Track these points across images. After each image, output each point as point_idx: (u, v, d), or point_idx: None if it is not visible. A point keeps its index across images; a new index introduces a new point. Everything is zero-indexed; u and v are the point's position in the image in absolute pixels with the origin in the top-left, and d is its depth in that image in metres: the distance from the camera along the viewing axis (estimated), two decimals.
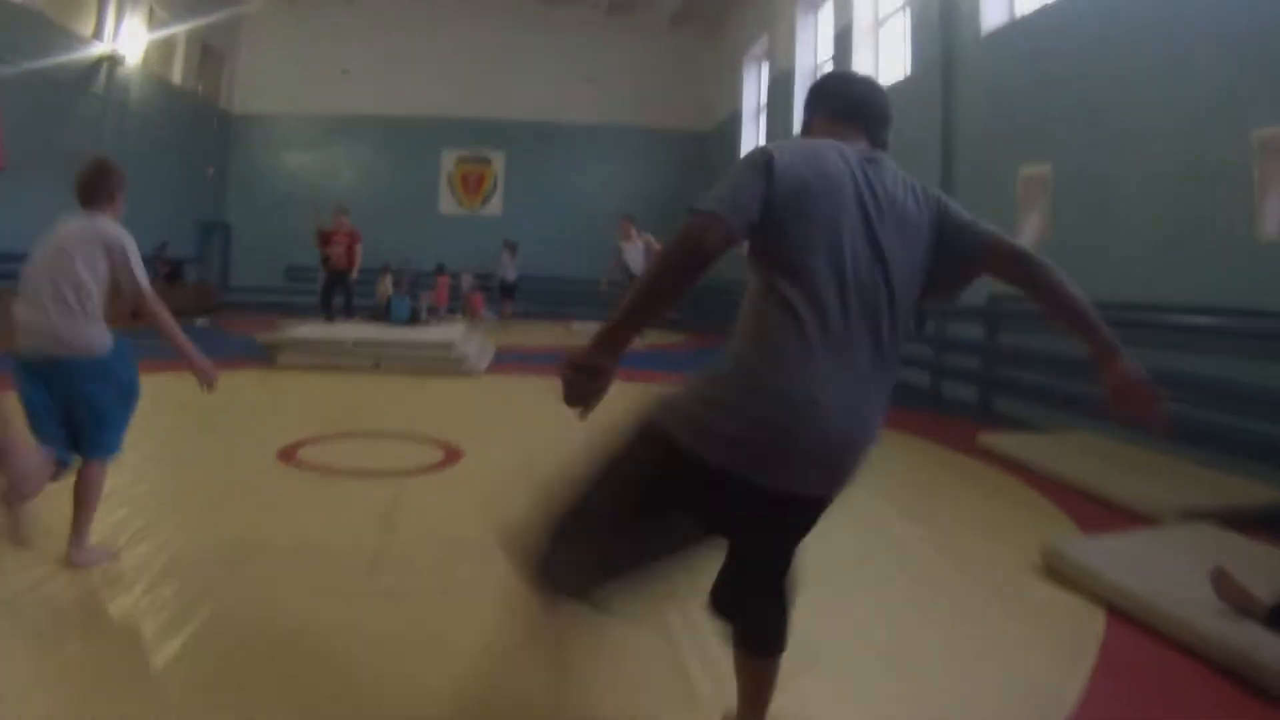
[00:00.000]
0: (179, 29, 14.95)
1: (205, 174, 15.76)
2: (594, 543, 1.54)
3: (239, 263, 17.51)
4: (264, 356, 7.66)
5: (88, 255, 2.77)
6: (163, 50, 14.75)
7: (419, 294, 13.92)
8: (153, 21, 13.98)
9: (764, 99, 14.71)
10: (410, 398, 6.28)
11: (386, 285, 13.39)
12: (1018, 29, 7.22)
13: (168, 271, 13.63)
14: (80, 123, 12.30)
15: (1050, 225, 6.57)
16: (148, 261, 12.22)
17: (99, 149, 12.60)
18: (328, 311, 11.11)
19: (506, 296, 16.10)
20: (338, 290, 11.43)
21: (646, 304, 1.40)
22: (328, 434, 4.74)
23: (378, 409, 5.75)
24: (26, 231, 11.33)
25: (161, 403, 5.06)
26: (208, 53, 16.45)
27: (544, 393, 6.64)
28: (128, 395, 2.89)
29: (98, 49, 12.59)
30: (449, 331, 8.24)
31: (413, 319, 12.90)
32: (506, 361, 8.49)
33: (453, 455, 4.40)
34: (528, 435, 4.63)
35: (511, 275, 16.23)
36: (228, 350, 8.27)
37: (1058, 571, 3.06)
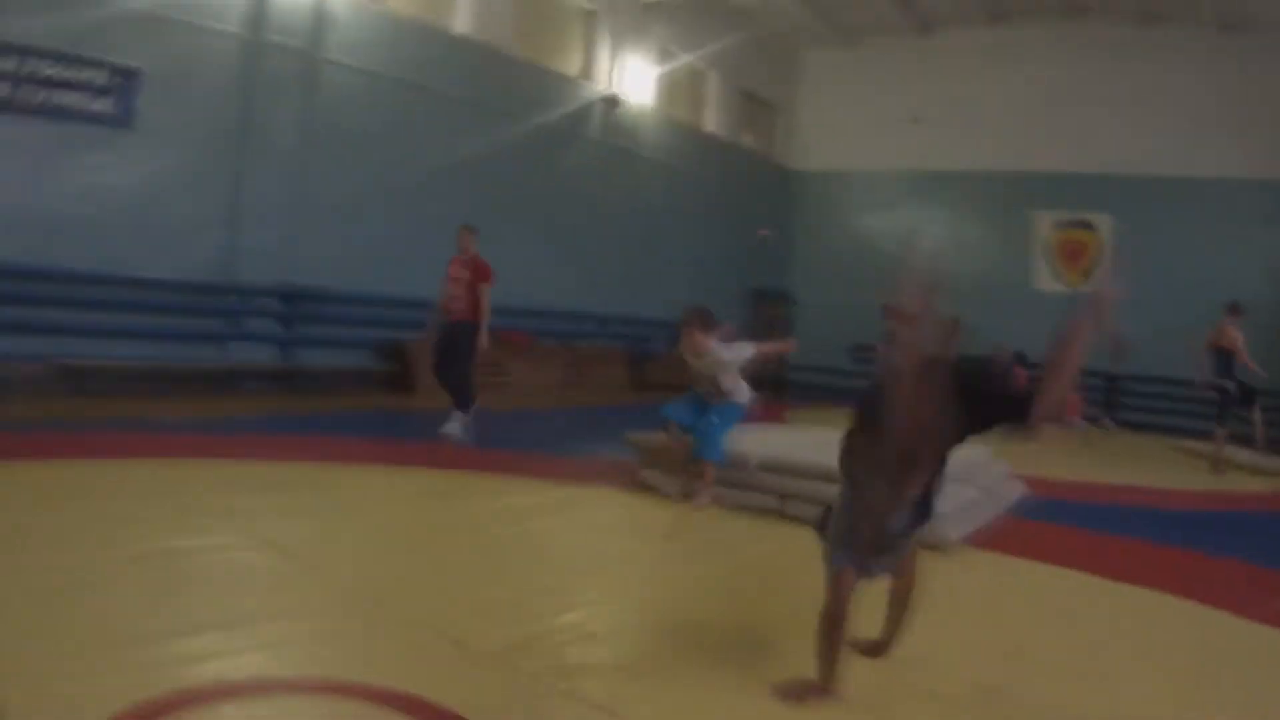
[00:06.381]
0: (701, 65, 14.20)
1: (760, 237, 13.87)
2: None
3: (802, 338, 15.12)
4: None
5: None
6: (688, 95, 14.27)
7: None
8: (664, 60, 13.32)
9: None
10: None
11: None
12: None
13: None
14: (573, 168, 11.87)
15: None
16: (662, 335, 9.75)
17: (600, 196, 12.30)
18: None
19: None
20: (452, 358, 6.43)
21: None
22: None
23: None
24: (510, 280, 9.88)
25: None
26: (754, 102, 15.02)
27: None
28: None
29: (590, 91, 12.06)
30: None
31: None
32: (1035, 515, 4.92)
33: None
34: None
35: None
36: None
37: None
